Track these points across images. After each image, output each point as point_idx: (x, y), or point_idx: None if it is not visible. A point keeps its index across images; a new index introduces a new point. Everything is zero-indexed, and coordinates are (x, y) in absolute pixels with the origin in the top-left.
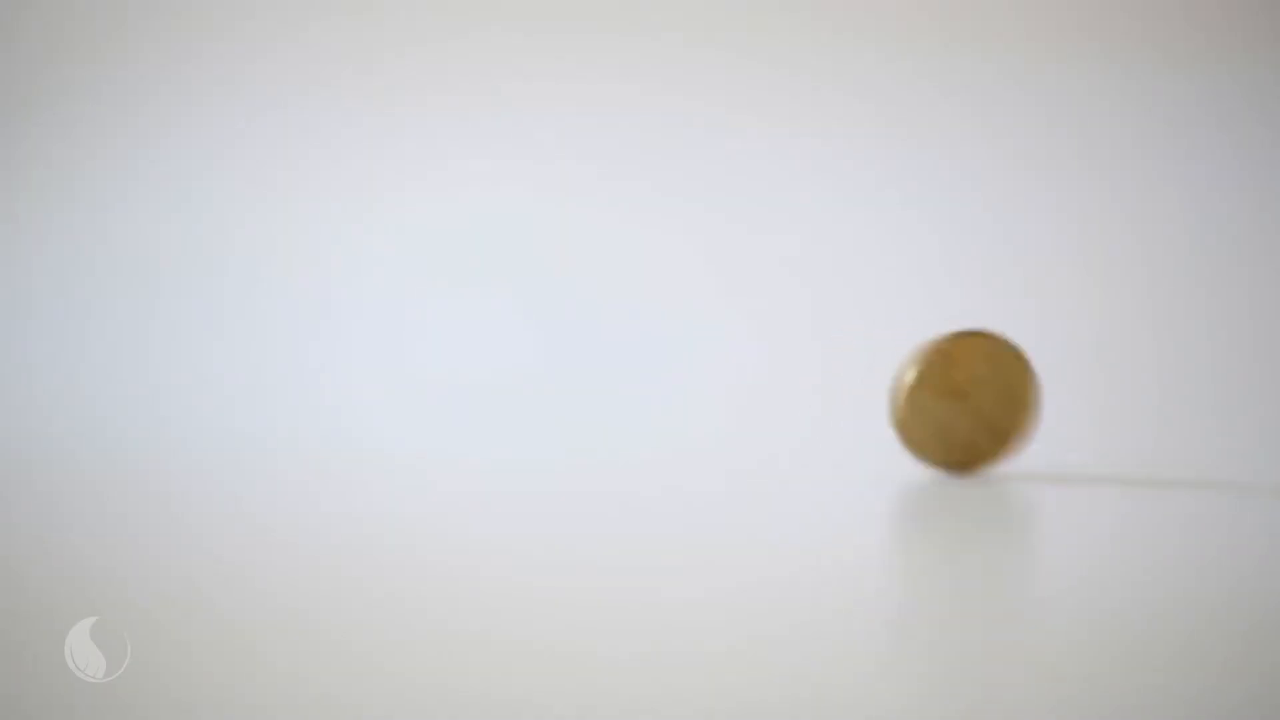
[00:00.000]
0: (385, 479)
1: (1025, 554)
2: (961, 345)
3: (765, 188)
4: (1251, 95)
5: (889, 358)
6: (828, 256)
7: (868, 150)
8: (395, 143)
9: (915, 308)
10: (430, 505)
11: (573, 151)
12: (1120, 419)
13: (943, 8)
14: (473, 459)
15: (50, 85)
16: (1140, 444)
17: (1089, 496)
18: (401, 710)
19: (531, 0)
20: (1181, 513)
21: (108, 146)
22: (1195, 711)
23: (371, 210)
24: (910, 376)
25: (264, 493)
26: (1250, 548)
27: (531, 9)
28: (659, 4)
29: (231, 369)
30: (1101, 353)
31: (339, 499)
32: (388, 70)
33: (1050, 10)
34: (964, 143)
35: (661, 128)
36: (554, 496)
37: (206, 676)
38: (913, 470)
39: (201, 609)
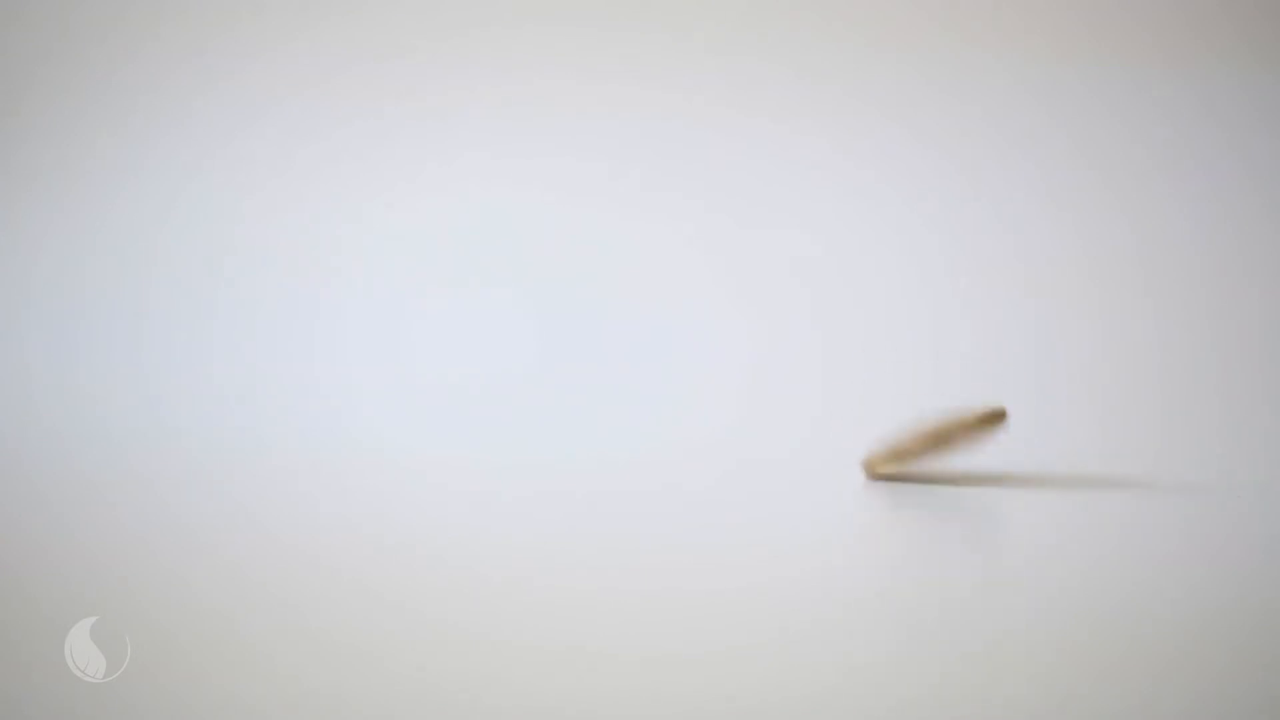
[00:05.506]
0: (385, 479)
1: (1025, 556)
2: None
3: (768, 188)
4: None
5: (890, 358)
6: (832, 257)
7: (871, 151)
8: (395, 142)
9: (917, 308)
10: (430, 505)
11: (574, 150)
12: (1120, 420)
13: (952, 7)
14: (472, 459)
15: (50, 85)
16: (1142, 447)
17: (1088, 498)
18: (402, 710)
19: None
20: (1180, 515)
21: (107, 146)
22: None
23: (371, 209)
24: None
25: (263, 492)
26: (1248, 550)
27: (531, 8)
28: (660, 2)
29: (231, 368)
30: (1103, 354)
31: (339, 499)
32: (387, 68)
33: (1063, 11)
34: (969, 143)
35: (663, 127)
36: (554, 496)
37: (206, 676)
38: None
39: (201, 609)
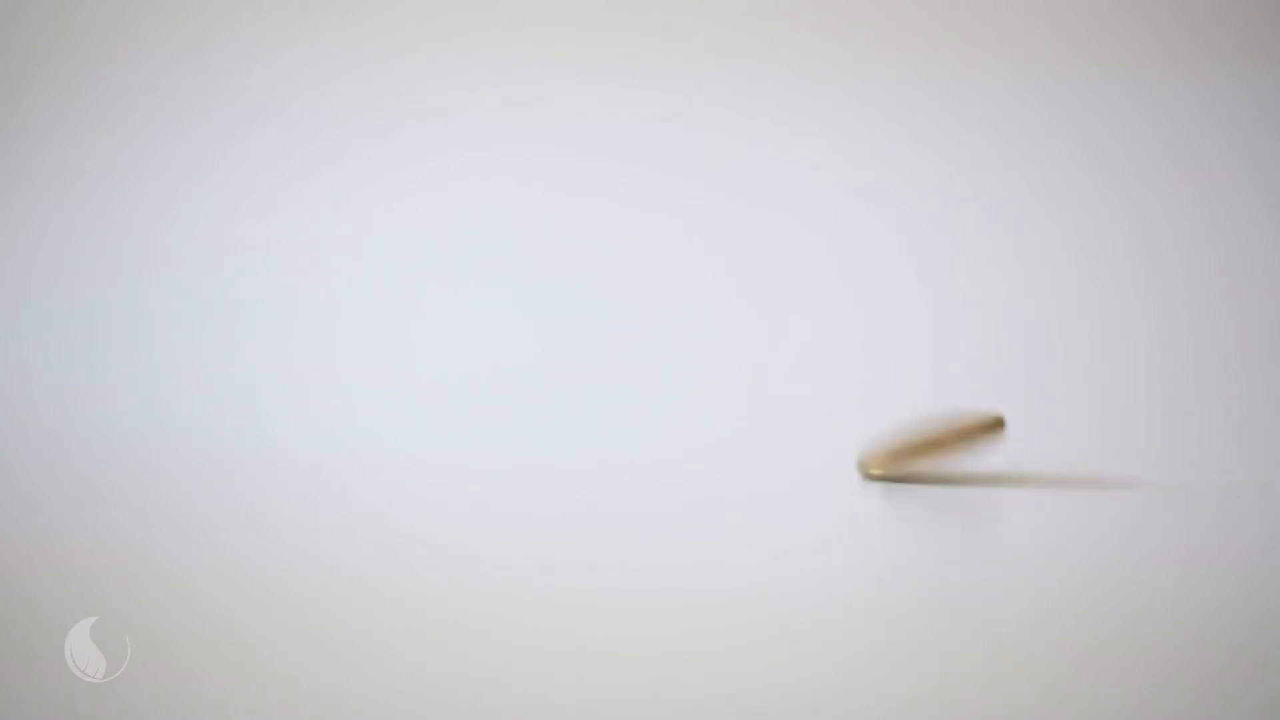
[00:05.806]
0: (385, 479)
1: (1025, 556)
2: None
3: (768, 188)
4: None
5: (890, 358)
6: (832, 257)
7: (871, 151)
8: (395, 142)
9: (917, 308)
10: (430, 505)
11: (574, 150)
12: (1120, 420)
13: (952, 7)
14: (472, 459)
15: (50, 85)
16: (1142, 447)
17: (1088, 498)
18: (402, 710)
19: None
20: (1180, 515)
21: (107, 146)
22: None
23: (371, 209)
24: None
25: (263, 492)
26: (1248, 550)
27: (531, 8)
28: (660, 2)
29: (231, 368)
30: (1103, 354)
31: (339, 499)
32: (387, 68)
33: (1063, 11)
34: (969, 143)
35: (663, 127)
36: (554, 496)
37: (206, 676)
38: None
39: (201, 609)
